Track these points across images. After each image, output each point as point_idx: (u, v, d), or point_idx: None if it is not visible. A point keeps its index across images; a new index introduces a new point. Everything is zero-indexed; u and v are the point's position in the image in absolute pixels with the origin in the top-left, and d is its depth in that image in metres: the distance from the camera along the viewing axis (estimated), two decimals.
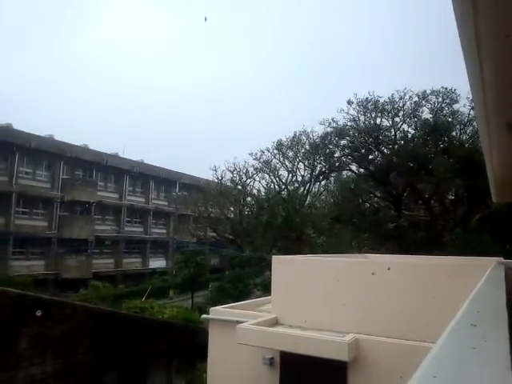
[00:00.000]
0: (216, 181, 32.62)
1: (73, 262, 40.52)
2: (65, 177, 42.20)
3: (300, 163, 29.35)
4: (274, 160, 29.98)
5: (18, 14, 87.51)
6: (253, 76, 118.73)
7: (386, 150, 24.57)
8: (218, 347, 7.58)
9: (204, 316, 8.42)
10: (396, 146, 23.75)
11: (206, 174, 37.81)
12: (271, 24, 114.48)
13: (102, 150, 46.01)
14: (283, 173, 30.27)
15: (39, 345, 8.91)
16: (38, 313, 8.90)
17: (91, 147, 45.79)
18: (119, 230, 47.69)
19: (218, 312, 7.93)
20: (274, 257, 7.45)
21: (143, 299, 24.73)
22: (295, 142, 29.20)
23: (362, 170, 25.71)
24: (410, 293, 5.86)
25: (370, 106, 23.99)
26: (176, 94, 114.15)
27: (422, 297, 5.76)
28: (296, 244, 24.42)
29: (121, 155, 49.58)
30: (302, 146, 28.84)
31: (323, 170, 27.32)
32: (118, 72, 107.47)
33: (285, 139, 29.56)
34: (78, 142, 44.59)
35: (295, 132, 29.19)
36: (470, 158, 20.69)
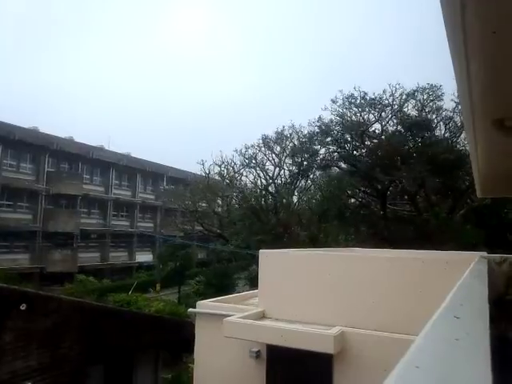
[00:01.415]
0: (203, 175, 32.46)
1: (58, 256, 40.05)
2: (50, 170, 41.55)
3: (287, 158, 29.35)
4: (259, 154, 29.91)
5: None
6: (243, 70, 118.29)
7: (371, 145, 24.75)
8: (204, 341, 7.60)
9: (190, 310, 8.42)
10: (381, 141, 23.95)
11: (193, 167, 37.61)
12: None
13: (87, 143, 45.47)
14: (270, 167, 30.27)
15: (24, 339, 8.83)
16: (23, 306, 8.80)
17: (76, 139, 45.20)
18: (105, 224, 47.24)
19: (205, 306, 7.94)
20: (260, 251, 7.47)
21: (130, 293, 24.61)
22: (283, 136, 29.19)
23: (347, 165, 25.87)
24: (395, 286, 5.94)
25: (356, 101, 24.09)
26: (163, 86, 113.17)
27: (407, 290, 5.84)
28: (283, 238, 24.53)
29: (106, 148, 49.00)
30: (291, 141, 28.84)
31: (311, 166, 27.41)
32: (104, 62, 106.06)
33: (272, 134, 29.52)
34: (63, 134, 43.98)
35: (283, 126, 29.19)
36: (449, 154, 21.09)
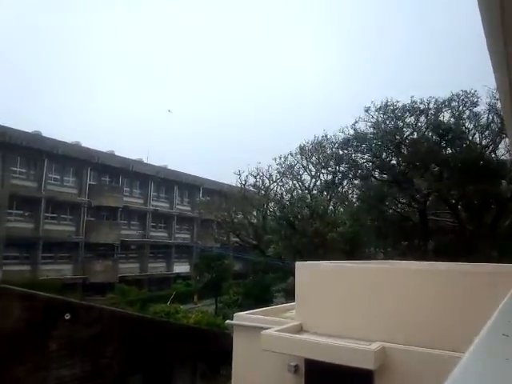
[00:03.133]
0: (239, 186, 32.72)
1: (100, 267, 41.33)
2: (92, 183, 43.18)
3: (323, 168, 29.17)
4: (297, 164, 29.91)
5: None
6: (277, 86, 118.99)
7: (407, 155, 24.22)
8: (242, 353, 7.60)
9: (228, 321, 8.46)
10: (417, 149, 23.39)
11: (229, 179, 37.97)
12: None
13: (127, 156, 47.05)
14: (306, 177, 30.14)
15: (68, 347, 9.13)
16: (67, 316, 9.12)
17: (117, 153, 46.86)
18: (144, 235, 48.43)
19: (242, 318, 7.95)
20: (297, 263, 7.42)
21: (168, 304, 24.98)
22: (318, 146, 29.07)
23: (384, 175, 25.39)
24: (438, 301, 5.75)
25: (390, 111, 23.76)
26: (198, 99, 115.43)
27: (449, 305, 5.64)
28: (319, 249, 24.23)
29: (145, 161, 50.48)
30: (326, 151, 28.67)
31: (346, 175, 27.07)
32: (138, 77, 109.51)
33: (307, 144, 29.46)
34: (104, 149, 45.72)
35: (316, 136, 29.10)
36: (489, 162, 20.31)
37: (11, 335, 8.28)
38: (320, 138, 28.94)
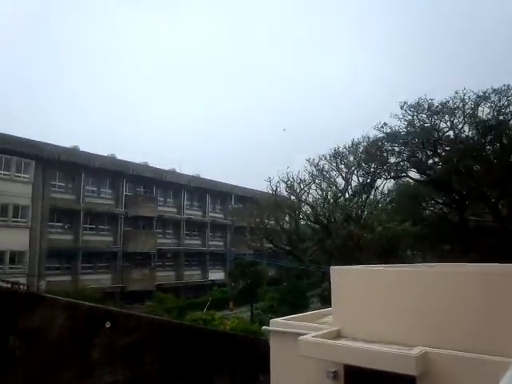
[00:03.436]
0: (270, 192, 32.72)
1: (137, 275, 42.22)
2: (127, 193, 44.33)
3: (356, 170, 28.73)
4: (330, 167, 29.59)
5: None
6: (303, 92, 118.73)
7: (444, 154, 23.49)
8: (279, 359, 7.56)
9: (265, 327, 8.44)
10: (456, 148, 22.65)
11: (260, 185, 38.04)
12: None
13: (160, 167, 48.13)
14: (339, 181, 29.78)
15: (109, 355, 9.36)
16: (107, 324, 9.36)
17: (150, 164, 48.02)
18: (179, 243, 49.18)
19: (278, 324, 7.92)
20: (332, 268, 7.32)
21: (204, 311, 25.19)
22: (353, 149, 28.68)
23: (420, 175, 24.73)
24: (482, 304, 5.53)
25: (425, 109, 23.16)
26: (227, 107, 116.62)
27: (495, 308, 5.42)
28: (354, 253, 23.84)
29: (178, 171, 51.41)
30: (359, 152, 28.24)
31: (380, 176, 26.55)
32: (170, 89, 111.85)
33: (342, 147, 29.13)
34: (138, 160, 46.97)
35: (352, 139, 28.77)
36: None
37: (56, 343, 8.58)
38: (356, 141, 28.58)
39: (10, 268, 32.48)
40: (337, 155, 29.15)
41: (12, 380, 7.96)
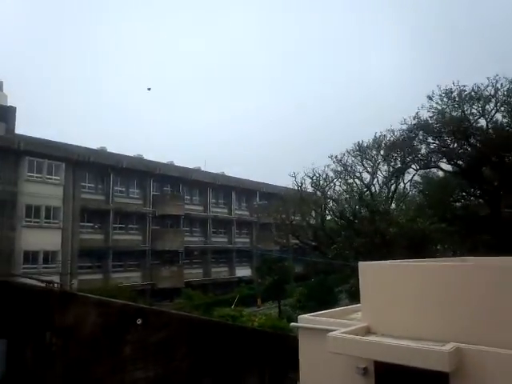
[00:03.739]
0: (295, 187, 32.56)
1: (166, 273, 42.95)
2: (155, 193, 45.08)
3: (382, 163, 28.22)
4: (354, 162, 29.18)
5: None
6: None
7: (476, 143, 22.72)
8: (308, 356, 7.54)
9: (293, 324, 8.43)
10: (488, 136, 21.85)
11: (284, 181, 37.87)
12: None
13: (185, 166, 48.70)
14: (365, 175, 29.33)
15: (141, 351, 9.55)
16: (139, 321, 9.55)
17: (176, 163, 48.66)
18: (206, 241, 49.69)
19: (307, 320, 7.89)
20: (360, 263, 7.23)
21: (232, 307, 25.36)
22: (376, 142, 28.19)
23: (450, 166, 24.02)
24: None
25: (455, 96, 22.43)
26: (252, 104, 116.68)
27: None
28: (382, 248, 23.46)
29: (203, 169, 51.88)
30: (385, 145, 27.71)
31: (408, 167, 25.86)
32: (194, 89, 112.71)
33: (366, 141, 28.70)
34: (164, 160, 47.68)
35: (375, 133, 28.28)
36: None
37: (90, 339, 8.82)
38: (380, 135, 28.08)
39: (44, 267, 33.55)
40: (362, 149, 28.71)
41: (50, 375, 8.25)
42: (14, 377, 7.85)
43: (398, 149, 25.28)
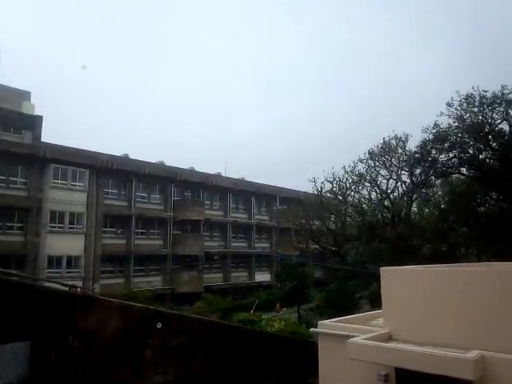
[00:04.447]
0: (315, 192, 32.39)
1: (186, 277, 43.28)
2: (175, 198, 45.57)
3: (400, 170, 27.82)
4: (370, 169, 28.85)
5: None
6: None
7: (499, 147, 22.21)
8: (328, 362, 7.46)
9: (313, 329, 8.36)
10: (510, 139, 21.34)
11: (304, 186, 37.70)
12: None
13: (206, 171, 49.13)
14: (382, 181, 28.97)
15: (161, 355, 9.61)
16: (159, 325, 9.63)
17: (197, 169, 49.15)
18: (226, 246, 49.87)
19: (326, 326, 7.81)
20: (382, 269, 7.12)
21: (251, 312, 25.32)
22: (386, 149, 27.81)
23: (472, 171, 23.54)
24: None
25: (476, 101, 22.02)
26: (272, 112, 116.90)
27: None
28: (403, 254, 23.10)
29: (223, 174, 52.20)
30: (397, 152, 27.39)
31: (428, 174, 25.50)
32: (211, 96, 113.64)
33: (375, 147, 28.34)
34: (185, 165, 48.24)
35: (383, 138, 27.92)
36: None
37: (111, 343, 8.94)
38: (388, 140, 27.73)
39: (67, 272, 34.24)
40: (373, 156, 28.32)
41: (72, 377, 8.39)
42: (37, 379, 8.01)
43: (415, 161, 25.05)
